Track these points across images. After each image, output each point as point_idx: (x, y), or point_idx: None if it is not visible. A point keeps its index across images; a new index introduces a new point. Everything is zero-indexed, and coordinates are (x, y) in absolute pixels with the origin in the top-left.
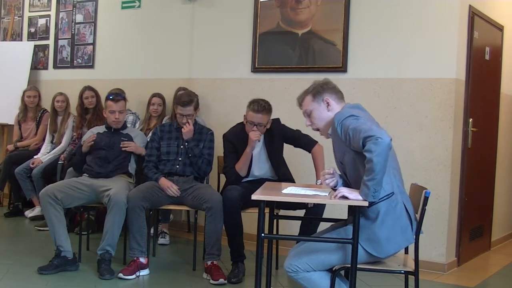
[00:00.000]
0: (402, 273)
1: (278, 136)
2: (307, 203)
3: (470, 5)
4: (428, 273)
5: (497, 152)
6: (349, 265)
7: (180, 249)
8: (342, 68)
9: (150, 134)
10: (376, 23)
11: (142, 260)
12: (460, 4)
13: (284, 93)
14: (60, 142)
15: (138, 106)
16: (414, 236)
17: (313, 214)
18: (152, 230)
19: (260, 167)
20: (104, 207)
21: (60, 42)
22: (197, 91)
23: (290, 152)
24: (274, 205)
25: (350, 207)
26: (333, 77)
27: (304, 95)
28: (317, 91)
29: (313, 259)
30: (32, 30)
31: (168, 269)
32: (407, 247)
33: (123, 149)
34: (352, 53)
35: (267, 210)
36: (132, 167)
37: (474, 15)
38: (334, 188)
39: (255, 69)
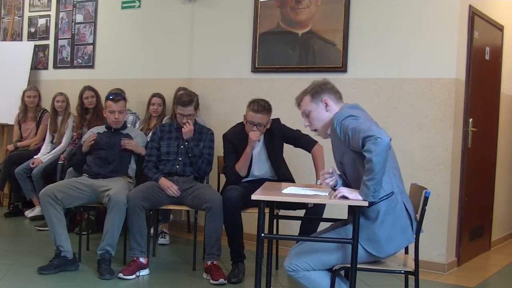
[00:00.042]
0: (402, 273)
1: (278, 136)
2: (307, 203)
3: (470, 5)
4: (428, 273)
5: (497, 152)
6: (349, 265)
7: (180, 249)
8: (342, 68)
9: (150, 134)
10: (376, 23)
11: (142, 260)
12: (460, 4)
13: (284, 93)
14: (60, 142)
15: (138, 106)
16: (414, 235)
17: (313, 214)
18: (152, 230)
19: (260, 167)
20: (104, 207)
21: (60, 42)
22: (197, 91)
23: (290, 152)
24: (274, 205)
25: (350, 207)
26: (333, 77)
27: (302, 95)
28: (316, 91)
29: (313, 259)
30: (32, 30)
31: (168, 269)
32: (407, 247)
33: (124, 146)
34: (352, 53)
35: (267, 210)
36: (132, 168)
37: (474, 15)
38: (334, 188)
39: (255, 69)
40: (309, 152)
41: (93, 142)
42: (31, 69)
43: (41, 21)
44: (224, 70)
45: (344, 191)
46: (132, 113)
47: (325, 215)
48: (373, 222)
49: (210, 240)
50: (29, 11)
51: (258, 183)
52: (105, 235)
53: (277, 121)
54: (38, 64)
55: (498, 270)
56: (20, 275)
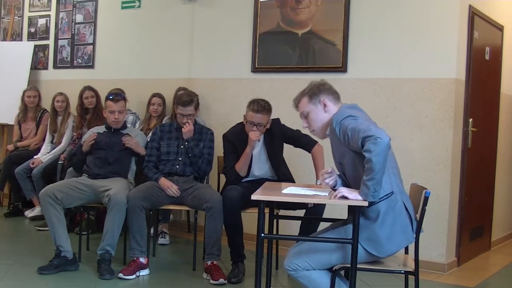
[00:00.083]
0: (402, 273)
1: (278, 136)
2: (307, 203)
3: (470, 5)
4: (428, 273)
5: (497, 152)
6: (349, 265)
7: (180, 249)
8: (342, 68)
9: (150, 134)
10: (376, 23)
11: (142, 260)
12: (460, 4)
13: (284, 93)
14: (60, 142)
15: (138, 106)
16: (414, 235)
17: (313, 214)
18: (152, 230)
19: (260, 167)
20: (104, 207)
21: (60, 42)
22: (197, 91)
23: (290, 152)
24: (274, 205)
25: (350, 207)
26: (333, 77)
27: (300, 96)
28: (313, 92)
29: (313, 258)
30: (32, 30)
31: (168, 269)
32: (407, 247)
33: (125, 143)
34: (352, 53)
35: (267, 210)
36: (132, 170)
37: (474, 15)
38: (333, 188)
39: (255, 69)
40: (309, 152)
41: (93, 141)
42: (31, 69)
43: (41, 21)
44: (224, 70)
45: (344, 191)
46: (132, 113)
47: (325, 215)
48: (373, 222)
49: (210, 240)
50: (29, 11)
51: (258, 183)
52: (105, 235)
53: (277, 121)
54: (38, 64)
55: (498, 270)
56: (20, 275)
